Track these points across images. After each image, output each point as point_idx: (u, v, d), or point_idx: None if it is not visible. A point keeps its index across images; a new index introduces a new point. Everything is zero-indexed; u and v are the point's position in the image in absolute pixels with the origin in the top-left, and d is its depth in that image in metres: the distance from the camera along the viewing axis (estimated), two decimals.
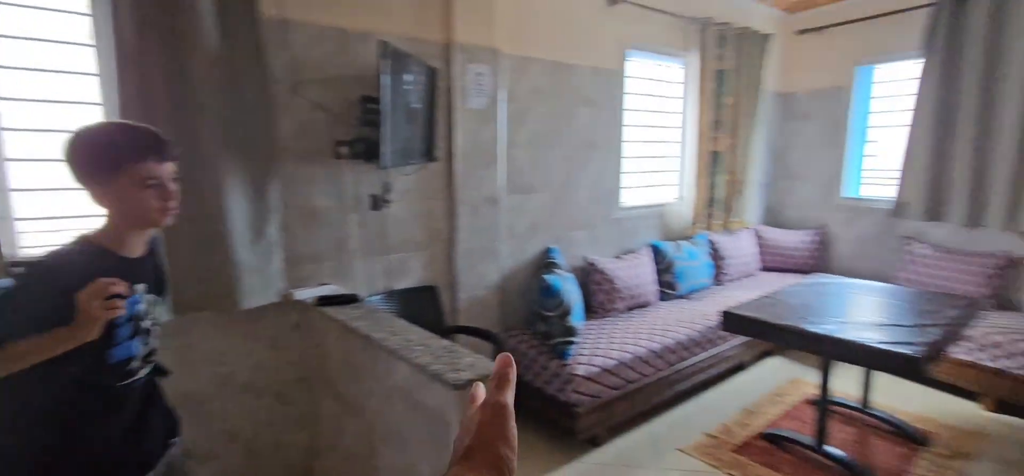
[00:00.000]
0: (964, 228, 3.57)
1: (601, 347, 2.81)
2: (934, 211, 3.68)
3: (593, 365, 2.66)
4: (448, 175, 2.72)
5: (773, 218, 4.82)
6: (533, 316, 2.96)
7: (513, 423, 0.37)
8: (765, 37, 4.14)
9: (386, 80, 1.91)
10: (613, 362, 2.71)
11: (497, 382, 0.39)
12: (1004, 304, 3.44)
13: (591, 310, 3.38)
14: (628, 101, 3.63)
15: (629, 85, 3.62)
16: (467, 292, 2.87)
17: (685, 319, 3.25)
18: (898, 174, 3.81)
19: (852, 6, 4.09)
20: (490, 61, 2.71)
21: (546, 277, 2.77)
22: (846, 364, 2.63)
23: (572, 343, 2.72)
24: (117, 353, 1.11)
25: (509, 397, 0.38)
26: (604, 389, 2.67)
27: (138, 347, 1.16)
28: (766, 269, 4.47)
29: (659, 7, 3.53)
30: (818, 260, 4.40)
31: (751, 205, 4.43)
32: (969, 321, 2.58)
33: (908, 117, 3.72)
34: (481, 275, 2.92)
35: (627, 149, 3.70)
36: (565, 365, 2.64)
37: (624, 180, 3.72)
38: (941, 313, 2.49)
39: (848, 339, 2.19)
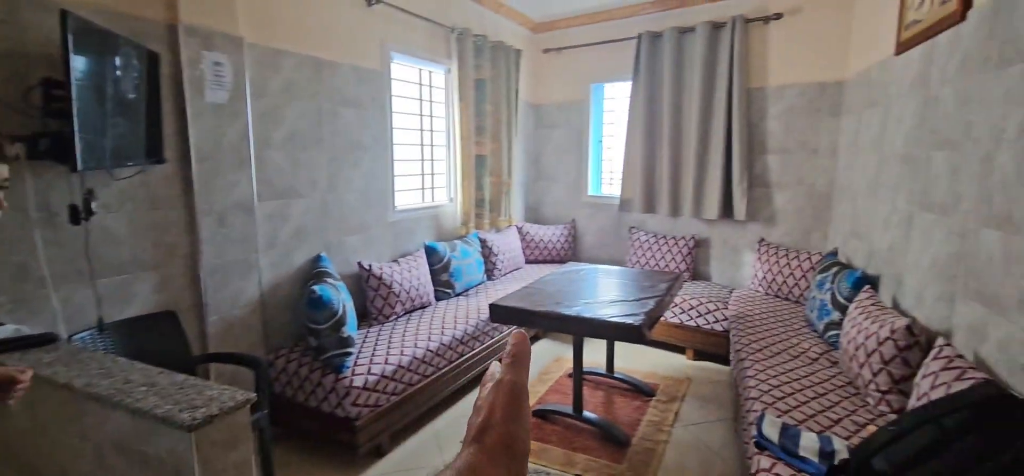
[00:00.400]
0: (669, 218, 4.51)
1: (379, 354, 2.74)
2: (648, 205, 4.55)
3: (371, 373, 2.57)
4: (184, 180, 2.31)
5: (533, 215, 5.36)
6: (303, 331, 2.72)
7: (527, 402, 0.37)
8: (517, 52, 4.57)
9: (77, 62, 1.52)
10: (392, 367, 2.66)
11: (511, 360, 0.38)
12: (697, 275, 4.44)
13: (369, 317, 3.27)
14: (396, 104, 3.62)
15: (396, 87, 3.60)
16: (219, 314, 2.49)
17: (461, 315, 3.38)
18: (622, 176, 4.61)
19: (581, 33, 4.80)
20: (231, 50, 2.39)
21: (314, 288, 2.57)
22: (593, 338, 3.08)
23: (348, 354, 2.58)
24: None
25: (522, 376, 0.38)
26: (384, 396, 2.60)
27: None
28: (529, 262, 4.95)
29: (417, 12, 3.59)
30: (570, 250, 5.05)
31: (516, 204, 4.85)
32: (674, 291, 3.24)
33: (626, 129, 4.53)
34: (236, 293, 2.56)
35: (398, 152, 3.68)
36: (341, 378, 2.50)
37: (397, 183, 3.69)
38: (656, 287, 3.08)
39: (590, 317, 2.55)
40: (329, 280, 2.78)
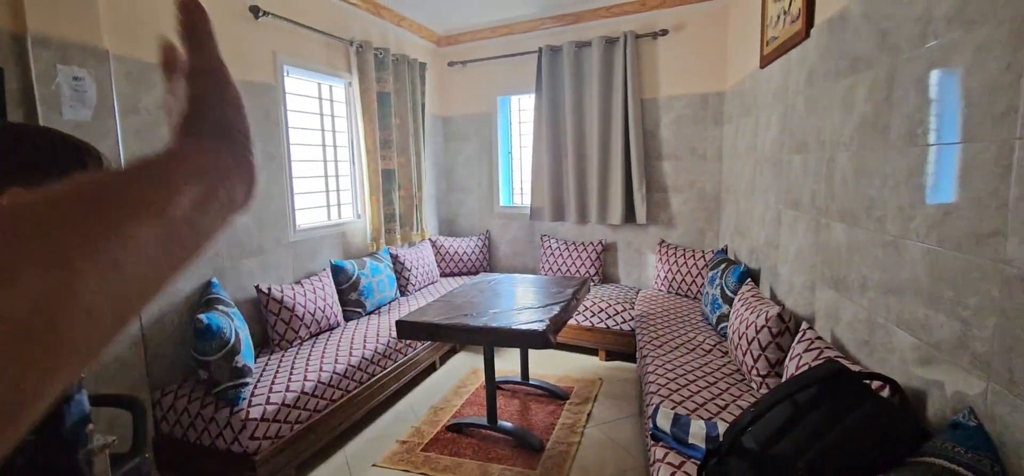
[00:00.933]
0: (577, 225, 4.66)
1: (280, 381, 2.60)
2: (557, 213, 4.68)
3: (271, 403, 2.43)
4: None
5: (448, 228, 5.35)
6: (193, 364, 2.52)
7: (233, 84, 0.33)
8: (422, 65, 4.55)
9: None
10: (293, 395, 2.53)
11: (191, 42, 0.31)
12: (606, 278, 4.63)
13: (271, 343, 3.10)
14: (294, 119, 3.48)
15: (292, 102, 3.46)
16: None
17: (371, 334, 3.29)
18: (531, 185, 4.71)
19: (484, 47, 4.87)
20: (94, 63, 2.18)
21: (201, 316, 2.39)
22: (503, 347, 3.09)
23: (244, 385, 2.42)
24: (74, 410, 0.76)
25: (213, 52, 0.32)
26: (286, 426, 2.47)
27: (87, 402, 0.82)
28: (445, 274, 4.92)
29: (312, 25, 3.48)
30: (486, 261, 5.08)
31: (429, 218, 4.80)
32: (581, 295, 3.35)
33: (532, 140, 4.65)
34: None
35: (298, 169, 3.53)
36: (237, 411, 2.34)
37: (299, 201, 3.53)
38: (563, 293, 3.17)
39: (497, 326, 2.57)
40: (220, 307, 2.61)
